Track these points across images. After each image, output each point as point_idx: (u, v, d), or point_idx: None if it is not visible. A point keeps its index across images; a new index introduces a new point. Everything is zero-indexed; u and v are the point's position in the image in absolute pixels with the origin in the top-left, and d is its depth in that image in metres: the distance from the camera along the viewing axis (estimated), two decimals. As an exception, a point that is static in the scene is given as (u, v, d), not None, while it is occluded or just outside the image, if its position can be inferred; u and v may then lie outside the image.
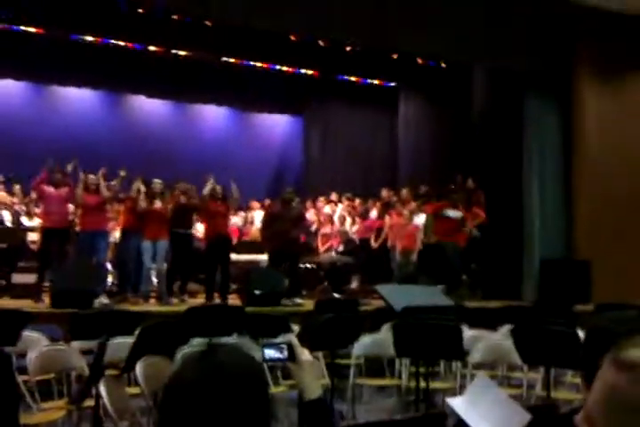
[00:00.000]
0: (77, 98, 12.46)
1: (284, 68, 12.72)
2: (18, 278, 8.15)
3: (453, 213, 8.76)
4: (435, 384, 4.86)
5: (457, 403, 2.12)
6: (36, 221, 8.66)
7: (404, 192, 10.86)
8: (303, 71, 12.81)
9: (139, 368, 3.40)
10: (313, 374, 1.58)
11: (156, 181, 7.93)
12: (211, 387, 1.13)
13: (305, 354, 1.60)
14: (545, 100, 10.30)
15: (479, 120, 10.95)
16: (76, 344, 4.54)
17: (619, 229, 9.40)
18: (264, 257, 9.43)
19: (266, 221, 8.59)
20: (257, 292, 7.27)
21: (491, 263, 9.54)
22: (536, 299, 9.04)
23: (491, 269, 9.37)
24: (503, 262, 9.79)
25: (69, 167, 7.51)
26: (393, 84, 13.34)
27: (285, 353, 1.59)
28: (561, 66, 10.04)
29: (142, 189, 7.72)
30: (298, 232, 8.31)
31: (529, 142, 10.24)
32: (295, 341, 1.61)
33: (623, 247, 9.22)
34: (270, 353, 1.60)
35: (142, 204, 7.63)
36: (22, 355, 4.08)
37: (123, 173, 7.77)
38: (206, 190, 7.85)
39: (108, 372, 4.17)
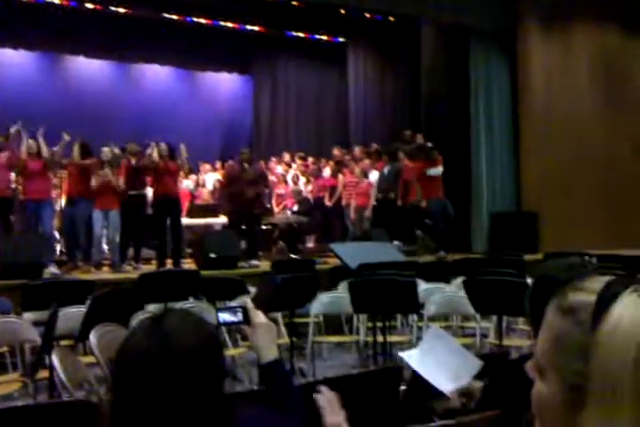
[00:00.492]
0: (13, 60, 11.85)
1: (229, 24, 12.34)
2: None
3: (435, 171, 8.81)
4: (392, 338, 4.97)
5: (409, 356, 2.16)
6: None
7: (357, 150, 10.85)
8: (249, 28, 12.46)
9: (92, 337, 3.35)
10: (269, 337, 1.57)
11: (105, 149, 7.68)
12: (160, 352, 1.13)
13: (260, 317, 1.59)
14: (492, 53, 10.33)
15: (428, 75, 10.92)
16: (27, 316, 4.44)
17: (565, 181, 9.65)
18: (218, 220, 9.36)
19: (223, 183, 8.51)
20: (212, 255, 7.22)
21: (442, 218, 9.67)
22: (486, 251, 9.27)
23: (442, 223, 9.52)
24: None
25: (12, 130, 7.17)
26: (341, 39, 13.13)
27: (240, 316, 1.58)
28: (507, 17, 10.04)
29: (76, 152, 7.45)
30: (255, 192, 8.19)
31: (477, 97, 10.30)
32: (249, 304, 1.60)
33: (569, 199, 9.49)
34: (225, 317, 1.59)
35: (96, 177, 7.39)
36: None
37: (67, 137, 7.47)
38: (153, 151, 7.64)
39: (63, 342, 4.12)
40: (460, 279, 5.37)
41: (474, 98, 10.30)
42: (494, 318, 4.81)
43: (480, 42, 10.30)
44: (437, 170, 8.83)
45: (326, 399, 1.47)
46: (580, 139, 9.75)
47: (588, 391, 0.64)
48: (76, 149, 7.49)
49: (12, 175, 7.66)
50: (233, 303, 1.41)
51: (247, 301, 1.63)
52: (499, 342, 4.37)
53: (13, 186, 7.73)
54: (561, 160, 9.68)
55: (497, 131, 10.32)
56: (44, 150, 7.19)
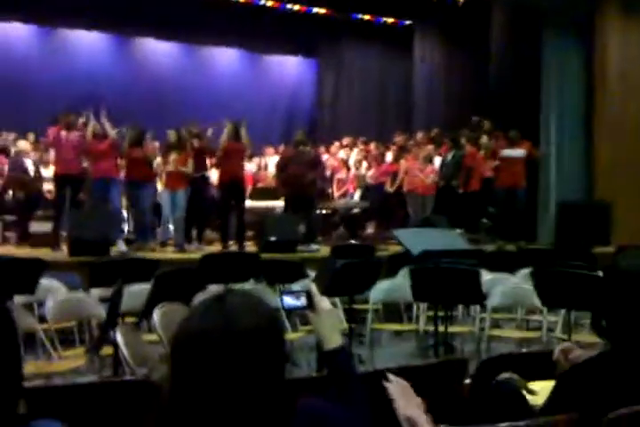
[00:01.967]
0: (86, 41, 12.18)
1: (296, 7, 12.29)
2: (35, 227, 8.20)
3: (513, 152, 8.53)
4: (453, 328, 4.86)
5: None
6: (51, 170, 8.62)
7: (420, 135, 10.65)
8: (315, 10, 12.37)
9: (156, 315, 3.40)
10: (333, 323, 1.54)
11: (170, 131, 7.77)
12: (222, 332, 1.11)
13: (324, 302, 1.55)
14: (565, 37, 9.87)
15: (497, 60, 10.56)
16: (94, 292, 4.57)
17: (639, 169, 9.18)
18: (279, 203, 9.39)
19: (280, 166, 8.47)
20: (272, 238, 7.25)
21: (507, 207, 9.39)
22: (553, 242, 8.95)
23: (507, 212, 9.25)
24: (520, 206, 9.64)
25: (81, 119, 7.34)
26: (408, 22, 12.86)
27: (304, 301, 1.55)
28: (584, 2, 9.55)
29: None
30: (313, 176, 8.12)
31: (548, 82, 9.89)
32: (314, 289, 1.56)
33: (645, 188, 9.02)
34: (289, 301, 1.56)
35: (158, 159, 7.52)
36: (41, 303, 4.12)
37: (124, 130, 7.65)
38: (225, 135, 7.64)
39: (127, 319, 4.21)
40: (526, 270, 5.19)
41: (545, 84, 9.90)
42: (562, 311, 4.63)
43: (554, 26, 9.85)
44: (516, 152, 8.52)
45: (399, 388, 1.33)
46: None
47: None
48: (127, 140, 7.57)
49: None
50: (296, 287, 1.39)
51: (311, 285, 1.59)
52: (567, 338, 4.20)
53: (84, 165, 7.96)
54: (636, 148, 9.20)
55: (568, 118, 9.90)
56: (110, 132, 7.35)
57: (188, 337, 1.13)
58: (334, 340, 1.50)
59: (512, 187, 8.64)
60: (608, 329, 1.68)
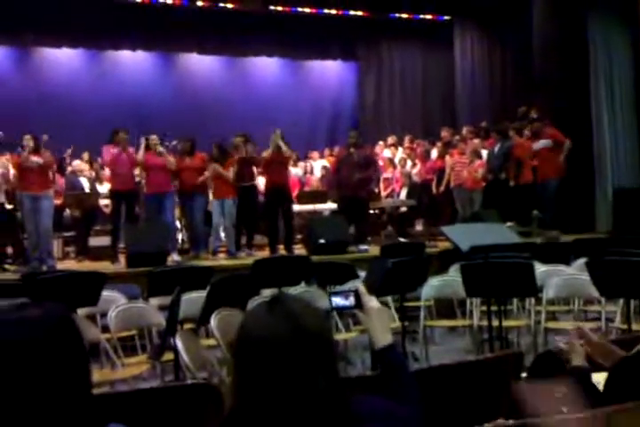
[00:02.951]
0: (131, 61, 12.56)
1: (333, 12, 12.35)
2: (94, 242, 8.51)
3: (536, 145, 8.36)
4: (508, 322, 4.81)
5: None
6: (106, 186, 8.93)
7: (465, 130, 10.53)
8: (352, 13, 12.41)
9: (213, 321, 3.50)
10: (382, 321, 1.56)
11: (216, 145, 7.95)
12: (292, 333, 1.15)
13: (372, 301, 1.58)
14: (610, 20, 9.60)
15: (541, 48, 10.33)
16: (153, 301, 4.71)
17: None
18: (326, 206, 9.45)
19: (333, 168, 8.53)
20: (321, 241, 7.31)
21: (562, 196, 9.19)
22: (610, 230, 8.70)
23: (562, 202, 9.04)
24: (575, 195, 9.41)
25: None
26: (447, 17, 12.74)
27: (352, 301, 1.58)
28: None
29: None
30: (362, 177, 8.13)
31: (596, 68, 9.64)
32: (362, 288, 1.59)
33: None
34: (337, 301, 1.60)
35: (210, 169, 7.69)
36: (104, 314, 4.28)
37: (175, 142, 7.87)
38: (271, 147, 7.79)
39: (186, 326, 4.34)
40: (581, 261, 5.09)
41: (593, 71, 9.66)
42: (620, 301, 4.52)
43: (599, 12, 9.60)
44: (539, 143, 8.33)
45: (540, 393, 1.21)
46: None
47: None
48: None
49: (137, 171, 8.15)
50: (345, 287, 1.41)
51: (359, 285, 1.62)
52: (627, 327, 4.10)
53: (137, 180, 8.23)
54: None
55: (619, 104, 9.63)
56: (165, 155, 7.56)
57: (255, 342, 1.17)
58: (385, 338, 1.52)
59: (542, 180, 8.44)
60: None
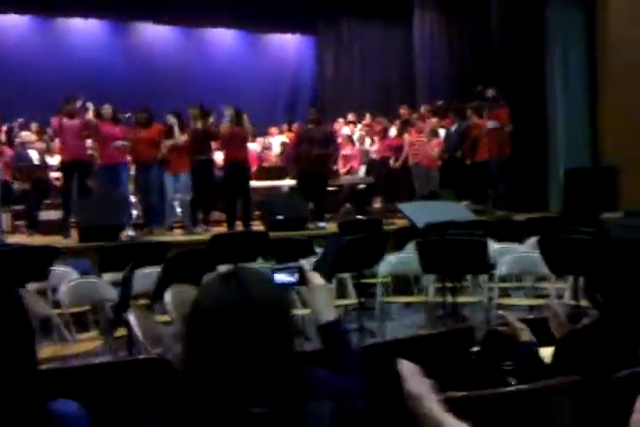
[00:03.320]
0: (83, 29, 12.12)
1: (292, -16, 12.13)
2: (45, 216, 8.28)
3: (490, 124, 8.46)
4: (462, 299, 4.90)
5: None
6: (57, 158, 8.66)
7: (423, 108, 10.57)
8: (312, -14, 12.22)
9: (167, 297, 3.46)
10: (326, 298, 1.56)
11: (170, 115, 7.75)
12: (245, 306, 1.14)
13: (316, 278, 1.57)
14: (569, 4, 9.70)
15: (498, 27, 10.40)
16: (107, 276, 4.62)
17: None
18: (285, 183, 9.40)
19: (292, 144, 8.48)
20: (279, 217, 7.28)
21: (515, 176, 9.37)
22: (561, 210, 8.93)
23: (515, 181, 9.22)
24: (528, 175, 9.61)
25: (77, 104, 7.34)
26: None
27: (296, 277, 1.56)
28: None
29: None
30: (322, 153, 8.08)
31: (551, 47, 9.77)
32: (306, 265, 1.58)
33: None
34: (281, 278, 1.55)
35: (163, 147, 7.52)
36: (55, 289, 4.18)
37: (128, 115, 7.67)
38: (226, 119, 7.65)
39: (140, 302, 4.28)
40: (533, 239, 5.19)
41: (548, 52, 9.77)
42: (570, 278, 4.65)
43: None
44: (489, 123, 8.47)
45: (411, 369, 1.30)
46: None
47: None
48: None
49: (89, 141, 7.91)
50: (289, 264, 1.40)
51: (303, 262, 1.60)
52: (575, 303, 4.23)
53: (90, 152, 7.99)
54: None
55: (573, 83, 9.79)
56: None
57: (207, 314, 1.16)
58: (329, 314, 1.53)
59: (485, 159, 8.60)
60: (600, 297, 1.70)
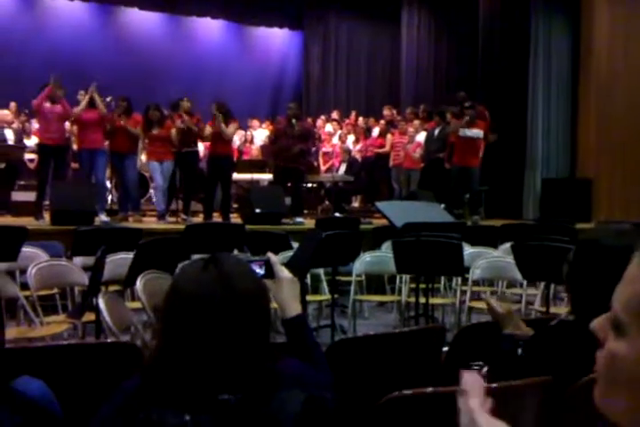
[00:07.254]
0: (68, 11, 11.92)
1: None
2: (17, 197, 8.12)
3: (467, 132, 8.48)
4: (435, 300, 4.92)
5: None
6: (33, 140, 8.51)
7: (408, 110, 10.61)
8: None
9: (139, 283, 3.40)
10: (292, 291, 1.55)
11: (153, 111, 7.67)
12: (224, 292, 1.13)
13: (283, 271, 1.56)
14: (553, 13, 9.83)
15: (485, 35, 10.48)
16: (77, 260, 4.55)
17: (623, 148, 9.24)
18: (265, 176, 9.36)
19: (271, 138, 8.43)
20: (257, 210, 7.25)
21: (493, 182, 9.45)
22: (537, 218, 9.03)
23: (493, 189, 9.30)
24: (506, 182, 9.70)
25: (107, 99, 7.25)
26: (396, -5, 12.70)
27: (263, 270, 1.55)
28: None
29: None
30: (300, 148, 8.06)
31: (535, 59, 9.88)
32: (273, 258, 1.56)
33: (626, 167, 9.10)
34: None
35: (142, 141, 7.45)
36: (24, 271, 4.10)
37: (109, 99, 7.55)
38: (216, 121, 7.57)
39: (111, 288, 4.22)
40: (507, 245, 5.24)
41: (533, 59, 9.89)
42: (541, 285, 4.70)
43: (541, 2, 9.80)
44: (472, 132, 8.45)
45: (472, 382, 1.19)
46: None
47: None
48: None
49: (67, 125, 7.78)
50: (256, 257, 1.38)
51: (271, 255, 1.58)
52: (545, 310, 4.27)
53: (67, 135, 7.86)
54: (620, 126, 9.25)
55: (555, 94, 9.91)
56: (101, 106, 7.25)
57: (186, 298, 1.14)
58: (294, 308, 1.52)
59: (466, 166, 8.58)
60: (574, 299, 1.71)
